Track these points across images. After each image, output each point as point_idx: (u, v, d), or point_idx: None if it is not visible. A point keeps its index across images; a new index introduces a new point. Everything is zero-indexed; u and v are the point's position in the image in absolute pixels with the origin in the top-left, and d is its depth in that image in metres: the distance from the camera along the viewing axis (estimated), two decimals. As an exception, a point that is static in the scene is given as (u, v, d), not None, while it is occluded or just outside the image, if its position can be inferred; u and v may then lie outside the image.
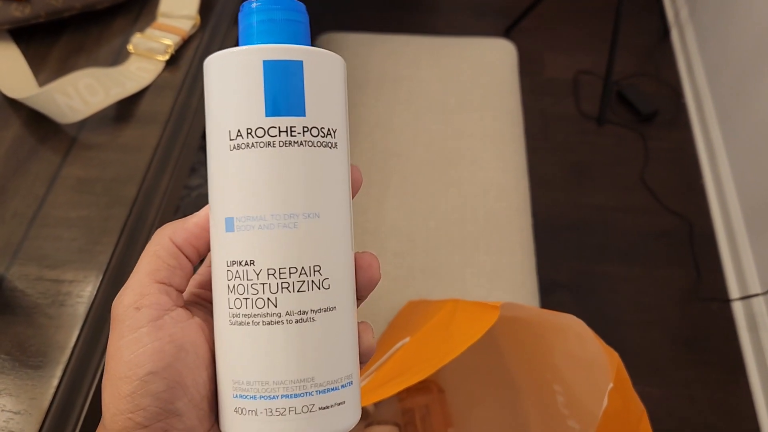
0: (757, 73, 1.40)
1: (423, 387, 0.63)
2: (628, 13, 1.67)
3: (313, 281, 0.27)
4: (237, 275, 0.27)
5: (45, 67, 0.62)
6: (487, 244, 0.81)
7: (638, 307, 1.34)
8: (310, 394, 0.27)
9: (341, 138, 0.29)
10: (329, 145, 0.28)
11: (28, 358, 0.46)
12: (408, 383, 0.39)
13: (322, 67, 0.28)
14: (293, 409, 0.26)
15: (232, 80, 0.27)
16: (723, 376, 1.25)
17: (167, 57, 0.63)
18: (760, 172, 1.35)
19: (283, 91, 0.27)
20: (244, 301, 0.27)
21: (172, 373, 0.26)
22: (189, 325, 0.28)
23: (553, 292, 1.34)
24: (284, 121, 0.27)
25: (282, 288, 0.27)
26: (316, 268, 0.27)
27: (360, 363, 0.30)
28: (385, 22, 1.84)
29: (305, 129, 0.27)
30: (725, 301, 1.34)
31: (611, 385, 0.43)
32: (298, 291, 0.27)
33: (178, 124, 0.60)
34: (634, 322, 1.31)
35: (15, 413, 0.44)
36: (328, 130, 0.28)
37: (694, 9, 1.78)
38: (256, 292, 0.27)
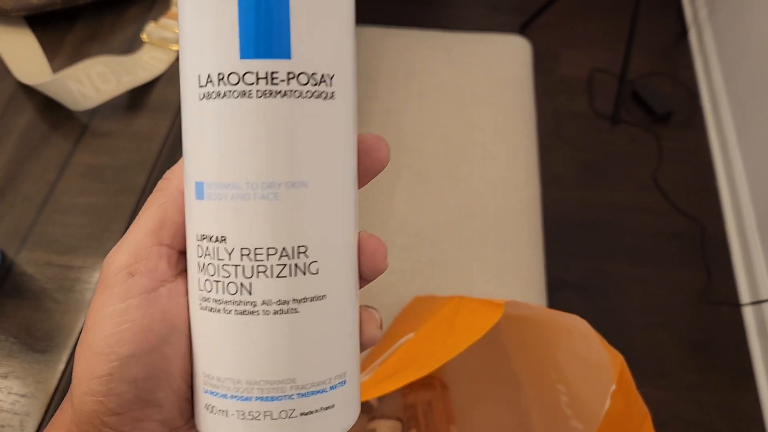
0: (776, 76, 1.38)
1: (426, 383, 0.63)
2: (645, 11, 1.65)
3: (296, 265, 0.22)
4: (207, 252, 0.22)
5: (59, 54, 0.62)
6: (496, 240, 0.81)
7: (647, 308, 1.33)
8: (290, 397, 0.23)
9: (341, 86, 0.23)
10: (323, 95, 0.22)
11: (35, 342, 0.46)
12: (410, 379, 0.39)
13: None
14: (269, 413, 0.22)
15: (201, 11, 0.22)
16: (731, 381, 1.24)
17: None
18: (775, 176, 1.33)
19: (263, 26, 0.21)
20: (214, 284, 0.22)
21: (158, 359, 0.22)
22: (185, 301, 0.24)
23: (561, 291, 1.33)
24: (264, 65, 0.21)
25: (258, 272, 0.22)
26: (302, 250, 0.22)
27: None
28: (399, 16, 1.83)
29: (291, 75, 0.21)
30: (736, 305, 1.33)
31: (614, 386, 0.43)
32: (277, 276, 0.22)
33: (189, 114, 0.60)
34: (643, 323, 1.31)
35: (21, 396, 0.44)
36: (322, 76, 0.22)
37: (713, 9, 1.76)
38: (227, 274, 0.22)
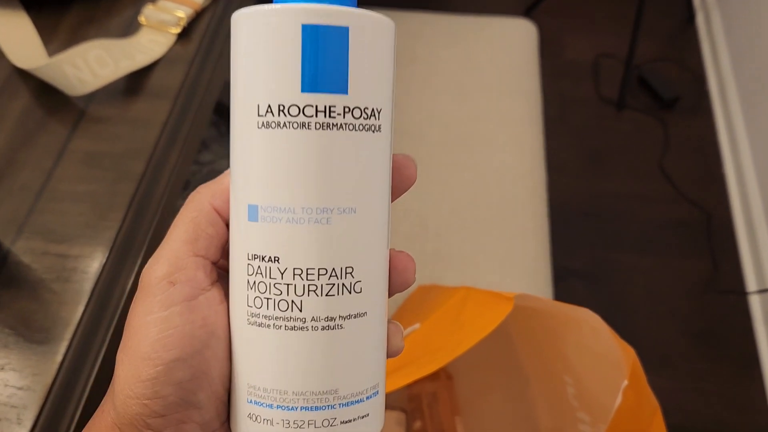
0: (785, 61, 1.36)
1: (431, 373, 0.62)
2: (653, -5, 1.63)
3: (344, 284, 0.24)
4: (259, 271, 0.24)
5: (55, 38, 0.61)
6: (501, 229, 0.79)
7: (652, 297, 1.32)
8: (333, 407, 0.24)
9: (386, 119, 0.25)
10: (372, 128, 0.24)
11: (32, 333, 0.45)
12: (417, 375, 0.38)
13: (371, 34, 0.24)
14: (313, 422, 0.24)
15: (263, 44, 0.23)
16: (736, 370, 1.23)
17: (179, 30, 0.61)
18: (783, 163, 1.32)
19: (324, 62, 0.23)
20: (265, 300, 0.24)
21: (200, 362, 0.24)
22: (223, 309, 0.25)
23: (567, 280, 1.32)
24: (323, 99, 0.23)
25: (309, 290, 0.24)
26: (349, 270, 0.24)
27: None
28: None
29: (347, 109, 0.23)
30: (742, 293, 1.32)
31: (626, 382, 0.42)
32: (326, 295, 0.24)
33: (188, 99, 0.59)
34: (648, 312, 1.30)
35: (18, 389, 0.43)
36: (373, 110, 0.24)
37: (722, -7, 1.74)
38: (279, 292, 0.24)
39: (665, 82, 1.64)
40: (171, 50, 0.61)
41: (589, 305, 0.43)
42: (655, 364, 1.22)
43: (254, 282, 0.24)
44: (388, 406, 0.62)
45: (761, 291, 1.28)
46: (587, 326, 0.45)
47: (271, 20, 0.23)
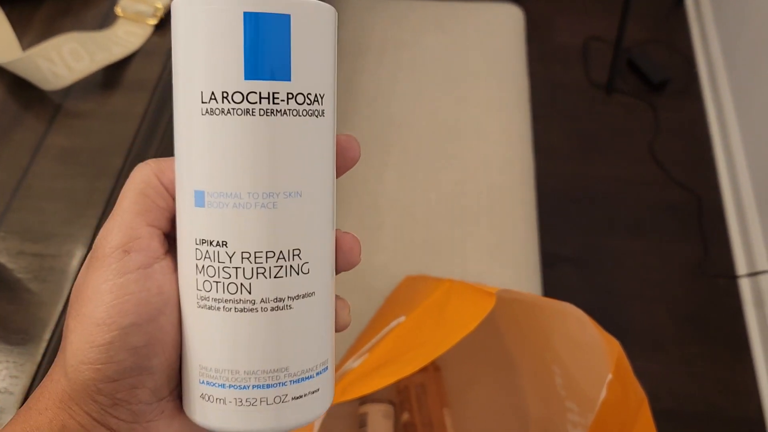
0: (774, 43, 1.35)
1: (419, 365, 0.61)
2: (642, -23, 1.62)
3: (291, 266, 0.25)
4: (207, 255, 0.24)
5: (29, 30, 0.59)
6: (489, 218, 0.79)
7: (643, 281, 1.32)
8: (284, 384, 0.25)
9: (329, 104, 0.25)
10: (316, 113, 0.25)
11: (9, 335, 0.45)
12: (402, 374, 0.37)
13: (312, 21, 0.24)
14: (264, 399, 0.25)
15: (205, 32, 0.23)
16: (727, 353, 1.24)
17: (156, 20, 0.60)
18: (772, 146, 1.31)
19: (267, 50, 0.23)
20: (214, 284, 0.24)
21: (155, 328, 0.24)
22: (176, 278, 0.25)
23: (557, 266, 1.32)
24: (266, 86, 0.23)
25: (257, 273, 0.24)
26: (296, 252, 0.25)
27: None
28: (390, -15, 1.78)
29: (290, 96, 0.24)
30: (732, 277, 1.32)
31: (610, 376, 0.42)
32: (274, 277, 0.24)
33: (167, 92, 0.58)
34: (638, 296, 1.30)
35: (-4, 391, 0.42)
36: (316, 96, 0.25)
37: (711, -26, 1.73)
38: (228, 276, 0.24)
39: (655, 65, 1.63)
40: (148, 42, 0.59)
41: (580, 290, 0.43)
42: (647, 348, 1.22)
43: (203, 266, 0.25)
44: (377, 399, 0.62)
45: (751, 274, 1.28)
46: (572, 317, 0.45)
47: (213, 7, 0.23)
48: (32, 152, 0.52)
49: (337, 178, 0.27)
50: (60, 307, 0.46)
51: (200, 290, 0.25)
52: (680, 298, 1.30)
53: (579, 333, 0.47)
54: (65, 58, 0.54)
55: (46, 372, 0.43)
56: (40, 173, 0.51)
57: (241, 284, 0.24)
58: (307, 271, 0.25)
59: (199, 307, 0.25)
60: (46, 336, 0.45)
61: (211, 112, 0.24)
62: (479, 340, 0.60)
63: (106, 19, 0.60)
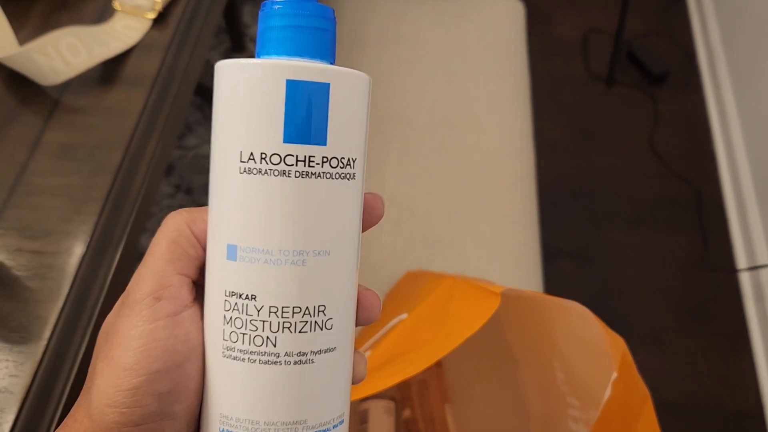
0: (775, 35, 1.34)
1: (420, 362, 0.61)
2: (642, -31, 1.61)
3: (316, 322, 0.26)
4: (235, 307, 0.25)
5: (26, 25, 0.59)
6: (490, 212, 0.79)
7: (642, 275, 1.32)
8: None
9: (359, 167, 0.27)
10: (347, 176, 0.26)
11: (8, 334, 0.44)
12: (406, 374, 0.37)
13: (349, 90, 0.25)
14: None
15: (248, 96, 0.24)
16: (727, 347, 1.24)
17: (155, 14, 0.59)
18: (773, 139, 1.31)
19: (306, 116, 0.24)
20: (241, 335, 0.25)
21: (180, 375, 0.25)
22: (202, 325, 0.26)
23: (556, 259, 1.32)
24: (303, 150, 0.24)
25: (283, 327, 0.25)
26: (321, 308, 0.26)
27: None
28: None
29: (324, 159, 0.25)
30: (732, 271, 1.32)
31: (615, 374, 0.41)
32: (299, 332, 0.25)
33: (165, 86, 0.57)
34: (638, 290, 1.30)
35: (-5, 390, 0.42)
36: (348, 160, 0.26)
37: (712, -34, 1.72)
38: (255, 328, 0.25)
39: (655, 58, 1.62)
40: (147, 36, 0.59)
41: (579, 284, 0.42)
42: (646, 341, 1.23)
43: (231, 317, 0.25)
44: (378, 395, 0.62)
45: (751, 268, 1.28)
46: (575, 313, 0.44)
47: (257, 73, 0.24)
48: (30, 148, 0.52)
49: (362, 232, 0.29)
50: (59, 306, 0.45)
51: (226, 340, 0.25)
52: (680, 291, 1.30)
53: (582, 329, 0.46)
54: (63, 53, 0.53)
55: (46, 371, 0.43)
56: (38, 170, 0.51)
57: (267, 337, 0.25)
58: (330, 327, 0.26)
59: (224, 356, 0.25)
60: (46, 334, 0.44)
61: (249, 171, 0.24)
62: (480, 335, 0.59)
63: (103, 13, 0.60)
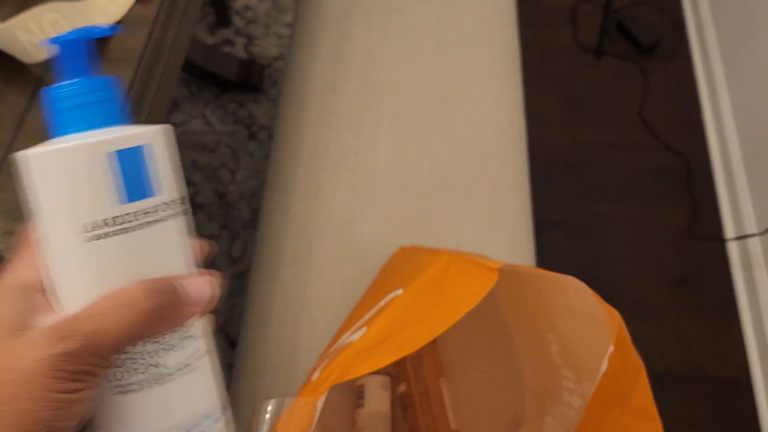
0: (764, 6, 1.34)
1: (415, 337, 0.61)
2: (632, -63, 1.59)
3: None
4: None
5: (6, 1, 0.57)
6: (483, 187, 0.78)
7: (632, 245, 1.33)
8: None
9: (186, 200, 0.30)
10: (183, 212, 0.29)
11: None
12: (404, 352, 0.37)
13: (160, 143, 0.28)
14: None
15: (72, 176, 0.26)
16: (715, 315, 1.25)
17: (139, -12, 0.58)
18: (762, 109, 1.31)
19: (131, 177, 0.27)
20: None
21: None
22: None
23: (547, 231, 1.32)
24: (138, 205, 0.27)
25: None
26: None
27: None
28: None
29: (160, 207, 0.28)
30: (721, 240, 1.33)
31: (612, 348, 0.42)
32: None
33: (152, 62, 0.56)
34: (628, 260, 1.31)
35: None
36: (181, 199, 0.29)
37: (702, -67, 1.70)
38: None
39: (644, 27, 1.61)
40: (132, 10, 0.57)
41: (570, 256, 0.42)
42: (637, 311, 1.24)
43: None
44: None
45: (739, 237, 1.29)
46: (572, 288, 0.45)
47: (76, 155, 0.26)
48: (15, 128, 0.51)
49: None
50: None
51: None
52: (669, 261, 1.31)
53: (577, 303, 0.47)
54: (45, 29, 0.52)
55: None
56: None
57: None
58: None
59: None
60: (39, 317, 0.44)
61: (95, 238, 0.26)
62: (475, 309, 0.60)
63: (86, -13, 0.58)
